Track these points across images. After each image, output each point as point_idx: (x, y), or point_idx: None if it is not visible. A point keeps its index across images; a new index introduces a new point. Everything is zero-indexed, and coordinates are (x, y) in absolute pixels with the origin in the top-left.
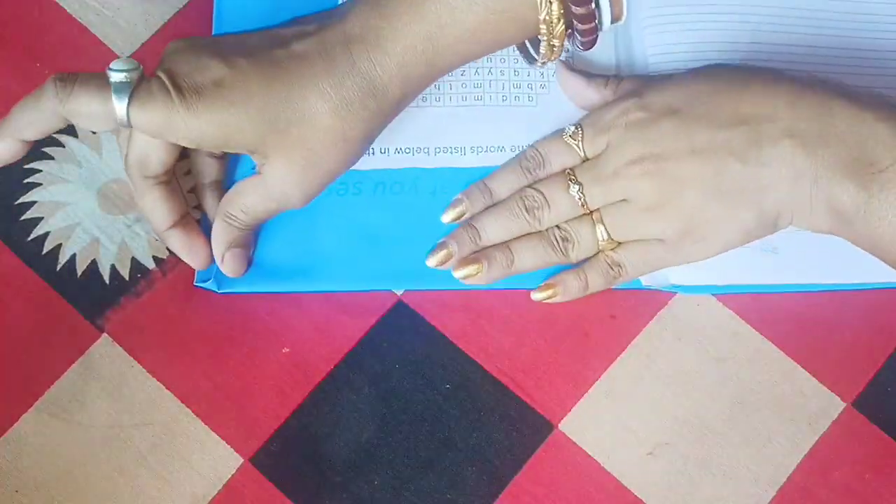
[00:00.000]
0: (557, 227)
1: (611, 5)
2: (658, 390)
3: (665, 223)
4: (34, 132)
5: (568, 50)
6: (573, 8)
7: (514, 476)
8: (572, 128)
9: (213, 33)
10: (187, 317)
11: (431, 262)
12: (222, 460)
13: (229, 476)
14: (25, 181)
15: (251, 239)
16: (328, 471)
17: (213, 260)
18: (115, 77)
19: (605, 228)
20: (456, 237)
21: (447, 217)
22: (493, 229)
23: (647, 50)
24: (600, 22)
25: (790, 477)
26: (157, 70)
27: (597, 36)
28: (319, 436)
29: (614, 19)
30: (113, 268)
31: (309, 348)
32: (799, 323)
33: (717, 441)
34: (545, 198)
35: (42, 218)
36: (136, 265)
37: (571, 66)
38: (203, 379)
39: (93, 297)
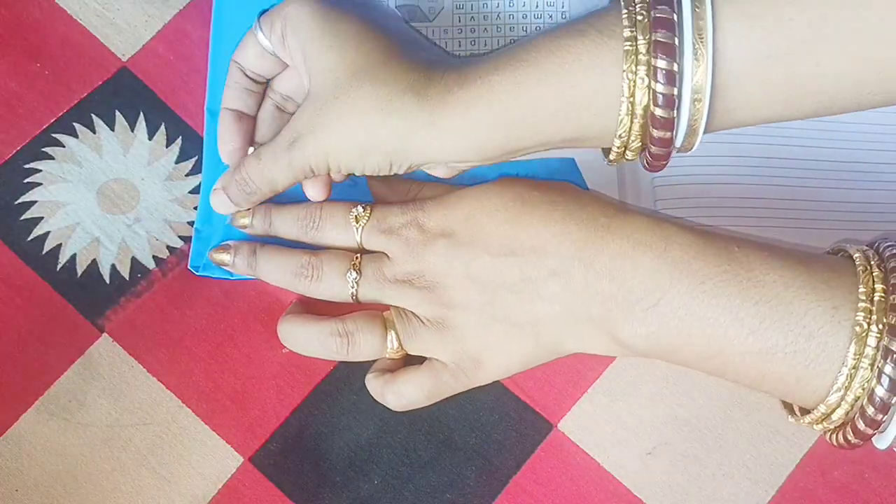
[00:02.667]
0: (342, 321)
1: (685, 136)
2: (658, 390)
3: (445, 343)
4: None
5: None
6: (652, 131)
7: (513, 476)
8: (361, 209)
9: (211, 34)
10: (187, 317)
11: (212, 257)
12: (222, 460)
13: (229, 476)
14: (25, 181)
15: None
16: (328, 471)
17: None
18: None
19: (397, 335)
20: (236, 254)
21: (234, 222)
22: (267, 270)
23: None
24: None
25: (790, 477)
26: None
27: (667, 162)
28: (319, 436)
29: (684, 149)
30: (113, 267)
31: None
32: None
33: (717, 441)
34: (321, 271)
35: (42, 217)
36: (136, 265)
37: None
38: (203, 379)
39: (93, 296)
